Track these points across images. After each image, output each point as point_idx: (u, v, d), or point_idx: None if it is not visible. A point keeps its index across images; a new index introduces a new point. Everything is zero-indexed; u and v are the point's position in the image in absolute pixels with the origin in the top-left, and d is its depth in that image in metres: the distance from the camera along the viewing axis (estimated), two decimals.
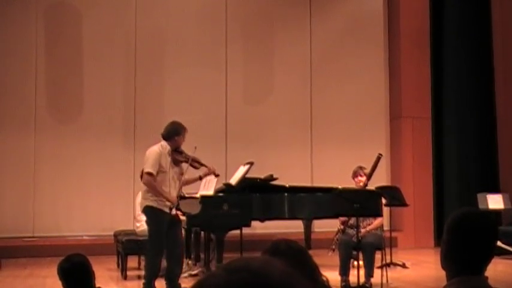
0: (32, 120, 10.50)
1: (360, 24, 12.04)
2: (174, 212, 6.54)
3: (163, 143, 6.55)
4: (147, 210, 6.48)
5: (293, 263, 1.85)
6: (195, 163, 6.74)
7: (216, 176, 7.11)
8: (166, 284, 6.48)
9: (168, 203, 6.43)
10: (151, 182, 6.39)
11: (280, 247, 1.98)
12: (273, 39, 11.69)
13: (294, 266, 1.85)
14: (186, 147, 6.74)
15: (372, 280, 6.80)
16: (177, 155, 6.58)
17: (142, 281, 7.64)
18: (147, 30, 11.07)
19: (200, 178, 7.01)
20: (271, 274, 0.87)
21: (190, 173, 6.84)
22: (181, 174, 6.70)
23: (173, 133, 6.57)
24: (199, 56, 11.21)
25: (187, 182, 6.92)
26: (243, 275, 0.86)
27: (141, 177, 8.33)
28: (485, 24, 12.06)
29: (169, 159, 6.50)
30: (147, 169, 6.41)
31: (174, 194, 6.52)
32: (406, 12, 11.83)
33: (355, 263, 6.85)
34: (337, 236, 7.31)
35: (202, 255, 8.39)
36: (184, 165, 6.67)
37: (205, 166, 6.86)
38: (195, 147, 6.60)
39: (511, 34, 11.80)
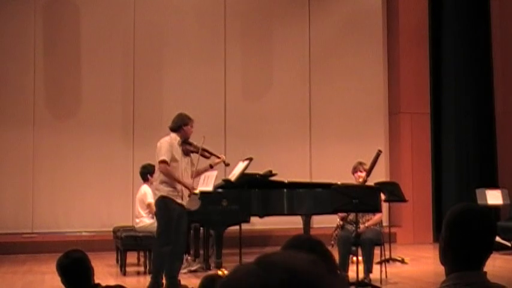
0: (31, 117, 10.48)
1: (359, 20, 12.03)
2: (184, 202, 6.58)
3: (173, 134, 6.62)
4: (159, 200, 6.54)
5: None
6: (205, 153, 6.87)
7: (226, 164, 7.18)
8: (165, 279, 6.49)
9: (180, 194, 6.49)
10: (168, 169, 6.46)
11: (304, 244, 1.87)
12: (271, 35, 11.68)
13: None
14: (193, 139, 6.80)
15: (371, 276, 6.81)
16: (187, 146, 6.69)
17: (142, 277, 7.67)
18: (145, 26, 11.05)
19: (211, 166, 7.07)
20: (314, 274, 0.79)
21: (200, 162, 6.90)
22: (192, 164, 6.78)
23: (181, 123, 6.66)
24: (198, 52, 11.20)
25: (199, 172, 7.00)
26: (283, 275, 0.78)
27: (142, 174, 8.38)
28: (484, 20, 12.05)
29: (179, 150, 6.56)
30: (161, 157, 6.48)
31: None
32: (404, 8, 11.82)
33: (354, 258, 6.85)
34: (336, 231, 7.32)
35: (201, 251, 8.40)
36: (195, 156, 6.75)
37: (215, 155, 6.96)
38: (204, 137, 6.67)
39: (509, 30, 11.79)
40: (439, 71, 11.97)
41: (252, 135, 11.13)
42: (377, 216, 7.08)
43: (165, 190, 6.50)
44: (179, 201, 6.52)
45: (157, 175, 6.72)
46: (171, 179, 6.50)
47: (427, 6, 11.94)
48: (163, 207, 6.51)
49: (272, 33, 11.68)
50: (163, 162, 6.49)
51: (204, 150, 6.82)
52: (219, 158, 7.00)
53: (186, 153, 6.71)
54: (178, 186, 6.53)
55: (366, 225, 7.01)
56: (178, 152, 6.57)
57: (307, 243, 1.84)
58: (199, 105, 10.58)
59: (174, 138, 6.62)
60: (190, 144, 6.75)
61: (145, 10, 11.07)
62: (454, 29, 11.91)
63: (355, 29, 11.94)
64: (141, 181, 8.46)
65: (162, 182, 6.54)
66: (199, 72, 11.09)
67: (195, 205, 7.34)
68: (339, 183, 7.10)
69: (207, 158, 6.96)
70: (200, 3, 11.41)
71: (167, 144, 6.53)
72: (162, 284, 6.48)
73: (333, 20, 11.94)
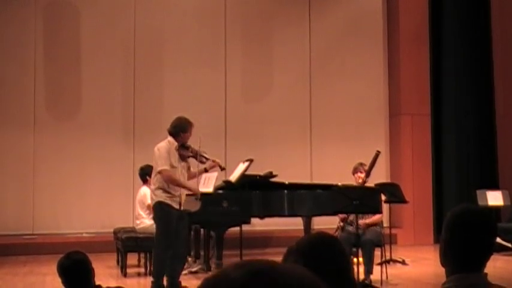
0: (31, 118, 10.49)
1: (359, 21, 12.03)
2: (182, 207, 6.57)
3: (170, 138, 6.58)
4: (156, 206, 6.51)
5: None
6: (202, 157, 6.80)
7: (222, 169, 7.12)
8: (167, 281, 6.48)
9: (177, 199, 6.48)
10: (171, 175, 6.44)
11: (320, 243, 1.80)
12: (272, 37, 11.68)
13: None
14: (190, 141, 6.77)
15: (372, 277, 6.80)
16: (184, 151, 6.63)
17: (143, 278, 7.67)
18: (146, 28, 11.05)
19: (206, 170, 6.99)
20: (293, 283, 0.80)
21: (196, 166, 6.88)
22: (189, 168, 6.76)
23: (179, 130, 6.60)
24: (199, 54, 11.20)
25: (194, 176, 6.95)
26: (263, 280, 0.79)
27: (141, 175, 8.37)
28: (484, 21, 12.05)
29: (176, 155, 6.53)
30: (162, 167, 6.43)
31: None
32: (405, 10, 11.83)
33: (355, 260, 6.85)
34: (336, 233, 7.32)
35: (202, 253, 8.40)
36: (192, 160, 6.72)
37: (211, 160, 6.90)
38: (200, 139, 6.61)
39: (510, 31, 11.79)
40: (439, 72, 11.97)
41: (252, 137, 11.12)
42: (377, 216, 7.07)
43: (162, 196, 6.45)
44: (177, 206, 6.49)
45: (154, 180, 6.65)
46: (177, 185, 6.47)
47: (427, 7, 11.94)
48: (161, 213, 6.48)
49: (272, 35, 11.68)
50: (163, 171, 6.46)
51: (201, 155, 6.78)
52: (214, 162, 6.95)
53: (183, 157, 6.66)
54: (176, 192, 6.50)
55: (366, 222, 6.99)
56: (175, 157, 6.52)
57: (322, 244, 1.78)
58: (200, 107, 10.59)
59: (172, 143, 6.56)
60: (188, 148, 6.70)
61: (145, 12, 11.07)
62: (454, 29, 11.91)
63: (355, 31, 11.94)
64: (141, 183, 8.46)
65: (158, 188, 6.50)
66: (199, 75, 11.09)
67: (195, 206, 7.34)
68: (339, 184, 7.10)
69: (203, 163, 6.91)
70: (200, 5, 11.41)
71: (165, 150, 6.47)
72: (164, 286, 6.48)
73: (333, 22, 11.94)
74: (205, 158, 6.86)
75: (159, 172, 6.47)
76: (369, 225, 7.07)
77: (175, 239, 6.43)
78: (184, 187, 6.52)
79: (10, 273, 8.08)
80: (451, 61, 11.89)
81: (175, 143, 6.56)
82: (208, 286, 0.83)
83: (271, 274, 0.81)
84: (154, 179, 6.62)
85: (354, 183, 7.31)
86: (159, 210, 6.50)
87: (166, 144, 6.54)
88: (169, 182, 6.45)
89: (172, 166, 6.47)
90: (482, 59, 11.94)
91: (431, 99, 11.86)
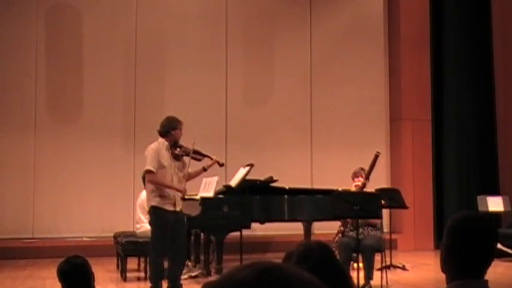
0: (32, 121, 10.49)
1: (360, 26, 12.04)
2: (178, 208, 6.49)
3: (161, 139, 6.53)
4: (150, 210, 6.48)
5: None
6: (197, 155, 6.68)
7: (221, 165, 6.93)
8: (168, 284, 6.46)
9: (172, 201, 6.41)
10: (154, 178, 6.38)
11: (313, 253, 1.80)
12: (273, 41, 11.69)
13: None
14: (186, 142, 6.71)
15: (372, 282, 6.79)
16: (177, 150, 6.54)
17: (143, 282, 7.66)
18: (147, 30, 11.07)
19: (204, 169, 6.86)
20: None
21: (193, 166, 6.80)
22: (184, 167, 6.65)
23: (169, 128, 6.54)
24: (200, 56, 11.21)
25: (192, 176, 6.82)
26: (271, 278, 0.80)
27: (144, 178, 8.36)
28: (485, 27, 12.06)
29: (168, 154, 6.46)
30: (147, 167, 6.41)
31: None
32: (406, 14, 11.84)
33: (355, 265, 6.84)
34: (337, 237, 7.32)
35: (202, 257, 8.39)
36: (186, 159, 6.64)
37: (208, 156, 6.80)
38: (193, 143, 6.56)
39: (510, 36, 11.80)
40: (440, 77, 11.98)
41: (253, 141, 11.12)
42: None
43: (155, 200, 6.42)
44: (171, 208, 6.44)
45: (148, 184, 6.60)
46: (162, 187, 6.40)
47: (428, 12, 11.95)
48: (155, 217, 6.43)
49: (273, 39, 11.69)
50: (148, 172, 6.40)
51: (195, 152, 6.64)
52: (211, 159, 6.82)
53: (176, 157, 6.59)
54: (170, 194, 6.44)
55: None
56: (166, 158, 6.44)
57: (317, 251, 1.79)
58: (201, 110, 10.60)
59: (162, 143, 6.50)
60: (180, 147, 6.61)
61: (146, 15, 11.09)
62: (455, 34, 11.92)
63: (356, 35, 11.95)
64: (142, 186, 8.43)
65: (152, 191, 6.47)
66: (200, 78, 11.10)
67: (195, 211, 7.33)
68: (339, 189, 7.10)
69: (199, 160, 6.77)
70: (202, 8, 11.43)
71: (153, 151, 6.42)
72: None
73: (335, 26, 11.95)
74: (201, 154, 6.74)
75: (145, 173, 6.45)
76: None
77: (172, 242, 6.40)
78: (169, 187, 6.40)
79: (10, 277, 8.06)
80: (452, 66, 11.89)
81: (166, 143, 6.50)
82: None
83: (278, 272, 0.82)
84: (147, 182, 6.60)
85: (352, 188, 7.28)
86: (153, 214, 6.46)
87: (154, 145, 6.48)
88: (152, 184, 6.42)
89: (162, 167, 6.42)
90: (483, 64, 11.95)
91: (432, 104, 11.86)
